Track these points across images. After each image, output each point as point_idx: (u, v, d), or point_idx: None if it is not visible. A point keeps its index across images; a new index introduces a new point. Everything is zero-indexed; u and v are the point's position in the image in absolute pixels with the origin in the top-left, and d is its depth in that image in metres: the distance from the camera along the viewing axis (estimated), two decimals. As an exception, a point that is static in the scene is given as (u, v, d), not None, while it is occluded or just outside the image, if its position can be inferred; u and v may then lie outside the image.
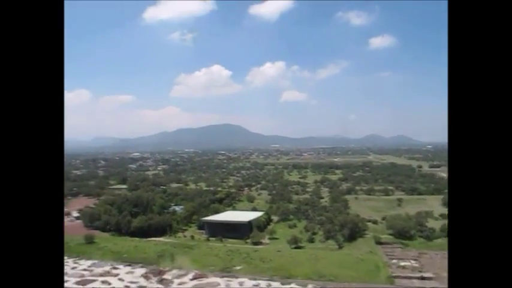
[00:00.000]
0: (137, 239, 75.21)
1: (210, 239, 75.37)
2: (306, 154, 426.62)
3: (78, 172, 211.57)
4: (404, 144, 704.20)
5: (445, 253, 56.71)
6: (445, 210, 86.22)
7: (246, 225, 77.87)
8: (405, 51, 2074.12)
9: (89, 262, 61.56)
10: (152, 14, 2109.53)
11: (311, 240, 71.68)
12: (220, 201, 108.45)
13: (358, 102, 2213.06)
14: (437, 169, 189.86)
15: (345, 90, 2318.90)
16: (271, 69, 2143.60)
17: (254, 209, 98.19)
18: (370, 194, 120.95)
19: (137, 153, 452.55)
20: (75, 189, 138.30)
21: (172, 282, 52.14)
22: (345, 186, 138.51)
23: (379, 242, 68.39)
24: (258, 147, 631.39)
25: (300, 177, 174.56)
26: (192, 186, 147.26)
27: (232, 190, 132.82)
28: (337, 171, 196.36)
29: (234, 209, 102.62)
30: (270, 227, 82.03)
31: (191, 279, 52.71)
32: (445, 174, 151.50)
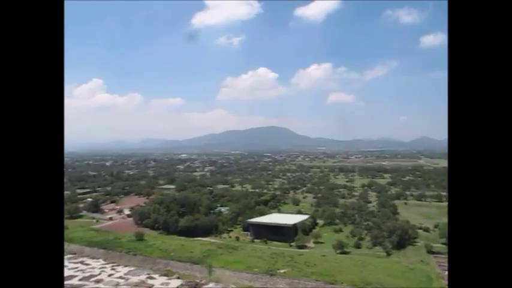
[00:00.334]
0: (184, 238, 77.42)
1: (255, 240, 75.75)
2: (353, 157, 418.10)
3: (130, 172, 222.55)
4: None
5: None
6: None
7: (291, 228, 77.32)
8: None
9: (126, 269, 63.07)
10: (200, 19, 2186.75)
11: (357, 246, 69.69)
12: (266, 203, 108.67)
13: (408, 103, 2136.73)
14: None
15: (394, 91, 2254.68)
16: (317, 71, 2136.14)
17: (299, 212, 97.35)
18: (421, 200, 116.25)
19: (185, 155, 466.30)
20: (127, 188, 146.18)
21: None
22: (393, 190, 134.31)
23: (431, 251, 64.98)
24: (304, 150, 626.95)
25: (346, 181, 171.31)
26: (238, 187, 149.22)
27: (278, 192, 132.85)
28: (386, 175, 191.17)
29: (279, 211, 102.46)
30: (315, 231, 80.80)
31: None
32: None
